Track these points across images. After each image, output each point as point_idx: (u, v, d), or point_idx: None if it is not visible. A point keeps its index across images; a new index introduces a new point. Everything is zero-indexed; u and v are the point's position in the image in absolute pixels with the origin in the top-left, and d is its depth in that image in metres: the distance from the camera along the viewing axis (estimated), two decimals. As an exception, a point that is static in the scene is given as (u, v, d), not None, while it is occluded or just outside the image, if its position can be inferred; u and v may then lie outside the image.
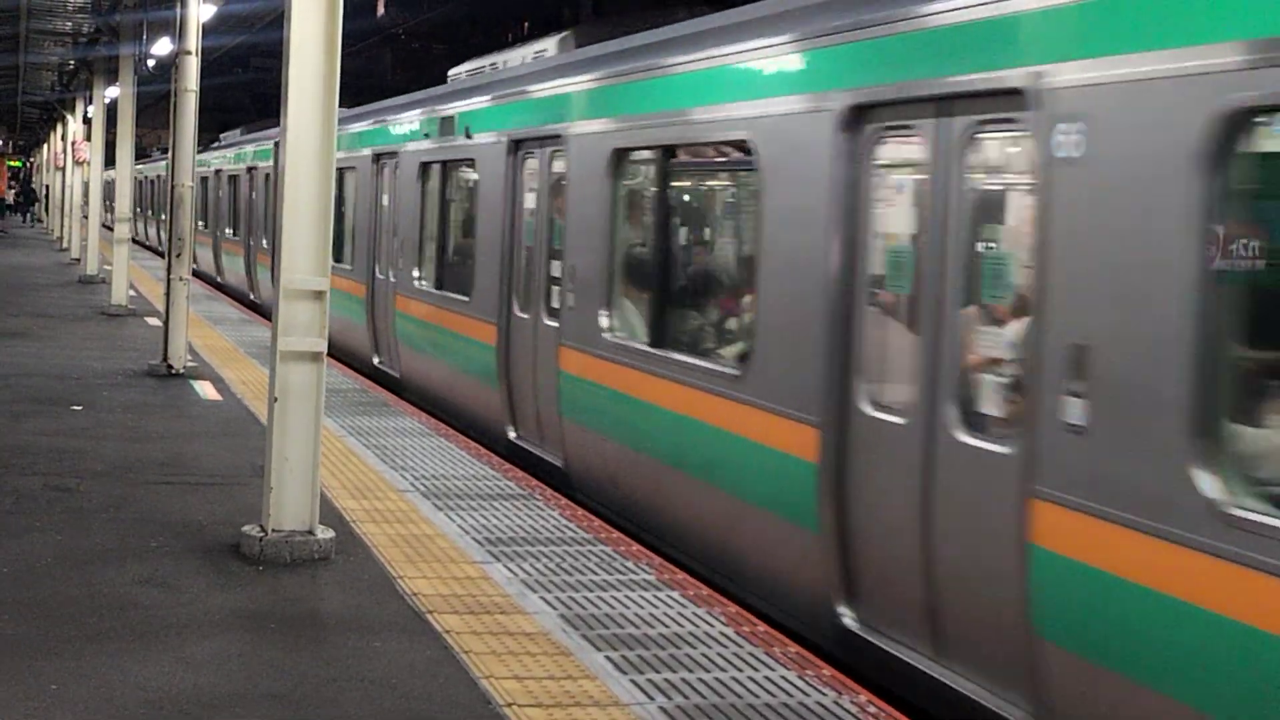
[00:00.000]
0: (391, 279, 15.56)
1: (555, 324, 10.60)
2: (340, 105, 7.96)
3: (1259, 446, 5.01)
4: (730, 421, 7.96)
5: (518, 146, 11.75)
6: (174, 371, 14.87)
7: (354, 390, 14.34)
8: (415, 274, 14.81)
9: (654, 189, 9.53)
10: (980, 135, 6.26)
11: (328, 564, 7.68)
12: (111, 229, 25.88)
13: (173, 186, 15.23)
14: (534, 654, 6.28)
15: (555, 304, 10.69)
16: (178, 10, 15.62)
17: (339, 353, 16.31)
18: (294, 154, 7.77)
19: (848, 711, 5.77)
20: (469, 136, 13.05)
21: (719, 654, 6.41)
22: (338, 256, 17.04)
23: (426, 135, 14.74)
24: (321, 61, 7.75)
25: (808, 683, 6.07)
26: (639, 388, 9.15)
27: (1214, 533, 4.76)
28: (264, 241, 23.16)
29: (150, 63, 23.14)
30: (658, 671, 6.13)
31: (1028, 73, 5.70)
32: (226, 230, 28.41)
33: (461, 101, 13.61)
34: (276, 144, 25.16)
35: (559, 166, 10.89)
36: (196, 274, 21.61)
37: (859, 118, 6.99)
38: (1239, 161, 4.85)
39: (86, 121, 34.97)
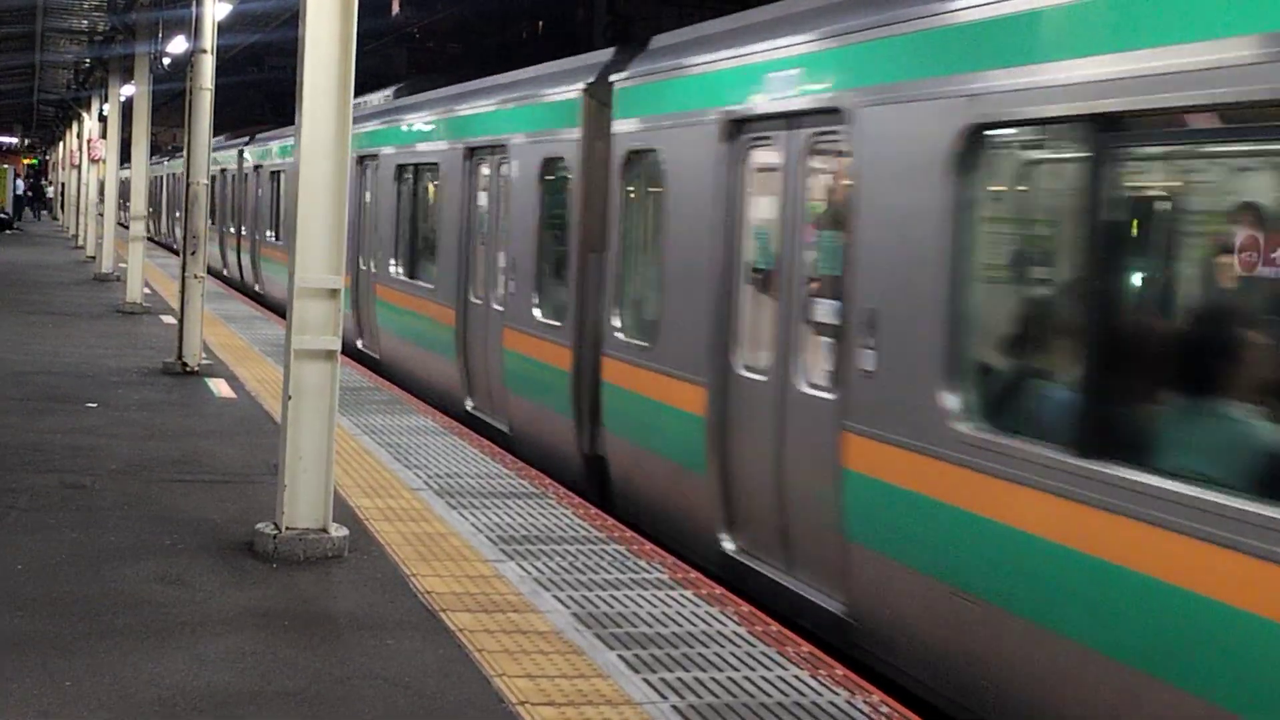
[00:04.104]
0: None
1: (375, 270, 17.25)
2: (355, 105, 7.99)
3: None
4: (432, 313, 14.62)
5: (360, 160, 18.15)
6: (188, 369, 14.92)
7: (368, 389, 14.36)
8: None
9: (410, 188, 16.38)
10: (479, 163, 13.63)
11: (341, 562, 7.69)
12: (127, 226, 26.07)
13: (188, 184, 15.27)
14: (547, 653, 6.29)
15: (374, 260, 17.34)
16: (193, 9, 15.65)
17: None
18: (309, 153, 7.78)
19: (860, 711, 5.76)
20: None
21: (731, 653, 6.41)
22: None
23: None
24: (336, 60, 7.76)
25: (820, 682, 6.07)
26: (404, 301, 15.89)
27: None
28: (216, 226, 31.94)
29: (166, 61, 23.18)
30: (670, 670, 6.14)
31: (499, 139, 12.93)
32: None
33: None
34: (241, 151, 30.66)
35: (379, 175, 17.56)
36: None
37: (472, 154, 13.72)
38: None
39: (102, 120, 35.06)
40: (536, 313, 11.66)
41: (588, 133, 10.83)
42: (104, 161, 33.02)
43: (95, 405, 12.59)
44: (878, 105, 6.98)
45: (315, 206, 7.79)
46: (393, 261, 16.55)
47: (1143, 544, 5.17)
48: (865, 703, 5.86)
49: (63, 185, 62.17)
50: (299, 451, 7.79)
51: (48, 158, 79.35)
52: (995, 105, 6.13)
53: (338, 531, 7.85)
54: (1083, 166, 5.72)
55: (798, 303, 7.84)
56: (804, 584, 7.69)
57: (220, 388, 14.02)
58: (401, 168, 16.53)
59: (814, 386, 7.64)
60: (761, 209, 8.44)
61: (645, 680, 5.99)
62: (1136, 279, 5.81)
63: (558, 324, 11.17)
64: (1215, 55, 4.97)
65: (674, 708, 5.69)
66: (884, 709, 5.81)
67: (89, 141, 36.34)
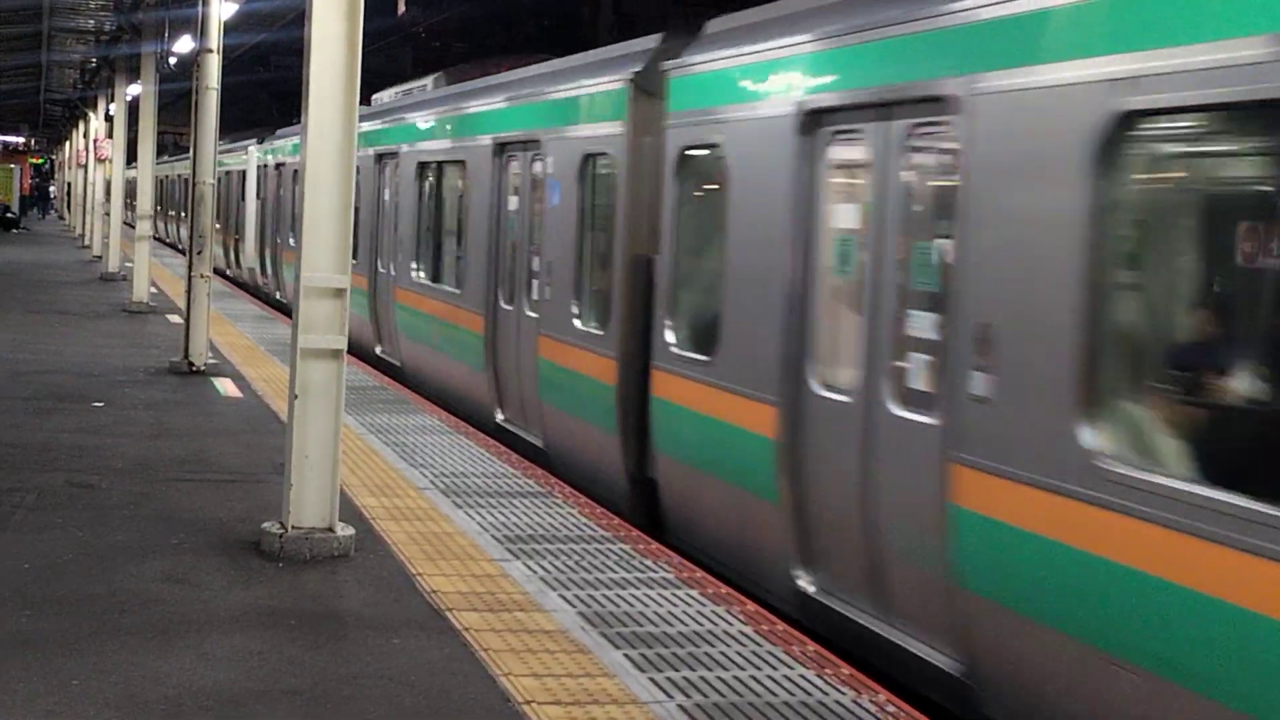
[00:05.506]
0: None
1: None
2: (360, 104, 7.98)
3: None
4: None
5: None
6: (195, 369, 14.93)
7: (374, 388, 14.37)
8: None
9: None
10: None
11: (347, 561, 7.70)
12: (133, 226, 26.17)
13: (193, 184, 15.29)
14: (552, 652, 6.29)
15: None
16: (199, 8, 15.67)
17: None
18: (315, 152, 7.77)
19: (866, 710, 5.76)
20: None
21: (737, 652, 6.41)
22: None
23: None
24: (342, 60, 7.76)
25: (826, 681, 6.07)
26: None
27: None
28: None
29: (172, 60, 23.23)
30: (676, 670, 6.13)
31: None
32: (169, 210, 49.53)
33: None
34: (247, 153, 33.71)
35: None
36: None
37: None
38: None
39: (108, 119, 35.09)
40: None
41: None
42: (110, 161, 33.05)
43: (102, 404, 12.61)
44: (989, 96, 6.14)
45: (322, 207, 7.79)
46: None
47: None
48: (871, 702, 5.85)
49: (69, 185, 62.34)
50: (305, 450, 7.80)
51: (54, 157, 79.42)
52: None
53: (344, 531, 7.86)
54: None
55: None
56: None
57: (226, 387, 14.03)
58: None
59: None
60: None
61: (651, 679, 5.99)
62: None
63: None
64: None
65: (680, 707, 5.69)
66: (890, 708, 5.80)
67: (95, 141, 36.40)
